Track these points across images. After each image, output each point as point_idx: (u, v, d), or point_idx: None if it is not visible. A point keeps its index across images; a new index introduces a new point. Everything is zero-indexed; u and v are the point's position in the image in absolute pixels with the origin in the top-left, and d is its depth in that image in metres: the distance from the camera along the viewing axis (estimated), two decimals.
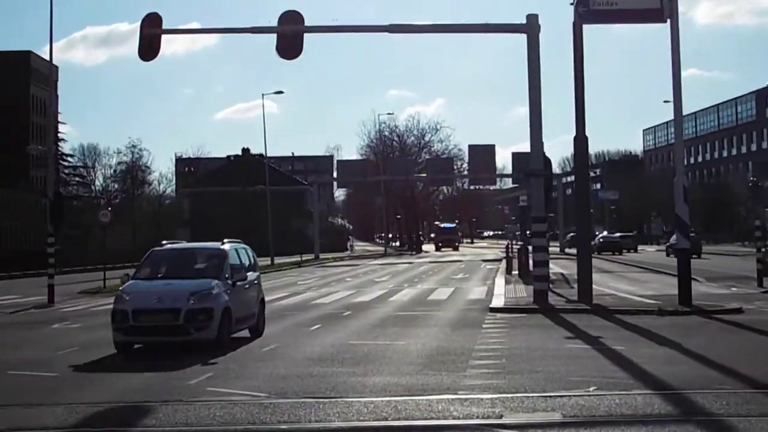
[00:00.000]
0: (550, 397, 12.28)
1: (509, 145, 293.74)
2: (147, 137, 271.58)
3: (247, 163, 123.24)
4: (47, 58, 41.99)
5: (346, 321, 24.49)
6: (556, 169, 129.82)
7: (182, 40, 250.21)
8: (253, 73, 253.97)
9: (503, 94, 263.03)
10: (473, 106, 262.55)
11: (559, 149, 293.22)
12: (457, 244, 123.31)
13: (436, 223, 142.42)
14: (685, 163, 32.43)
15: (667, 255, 70.29)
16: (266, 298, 33.75)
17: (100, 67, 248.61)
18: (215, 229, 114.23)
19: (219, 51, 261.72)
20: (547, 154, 28.82)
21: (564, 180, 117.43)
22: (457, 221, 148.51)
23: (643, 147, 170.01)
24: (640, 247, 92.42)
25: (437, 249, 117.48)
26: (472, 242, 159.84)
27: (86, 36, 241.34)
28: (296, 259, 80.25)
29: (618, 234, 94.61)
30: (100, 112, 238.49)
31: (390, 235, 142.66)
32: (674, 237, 75.00)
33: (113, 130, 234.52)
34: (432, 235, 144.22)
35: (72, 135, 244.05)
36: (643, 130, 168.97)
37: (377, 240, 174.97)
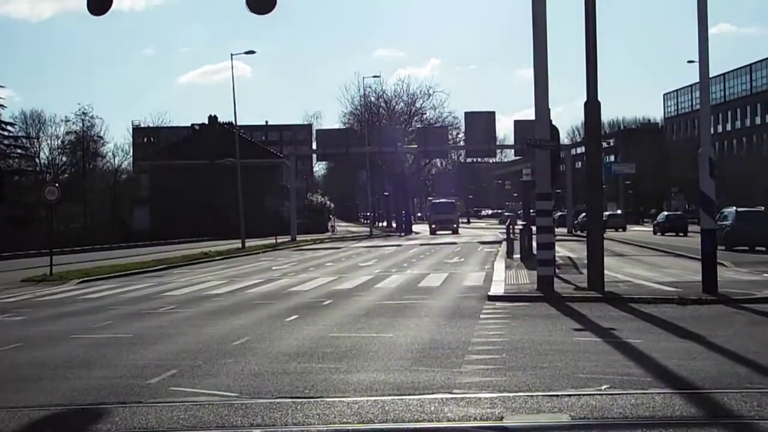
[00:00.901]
0: (557, 396, 12.33)
1: (512, 112, 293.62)
2: (100, 104, 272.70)
3: (214, 133, 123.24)
4: None
5: (326, 311, 24.54)
6: (564, 139, 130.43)
7: None
8: (223, 32, 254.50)
9: (506, 54, 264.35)
10: (472, 69, 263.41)
11: (568, 116, 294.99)
12: (455, 225, 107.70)
13: (429, 198, 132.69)
14: (712, 131, 32.52)
15: (654, 233, 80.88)
16: (237, 286, 34.05)
17: (46, 23, 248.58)
18: (178, 208, 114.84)
19: (184, 6, 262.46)
20: (554, 122, 28.90)
21: (573, 151, 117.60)
22: (454, 198, 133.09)
23: (664, 114, 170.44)
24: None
25: (432, 232, 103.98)
26: (468, 222, 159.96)
27: None
28: (270, 241, 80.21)
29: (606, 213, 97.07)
30: (46, 74, 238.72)
31: (376, 215, 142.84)
32: (661, 215, 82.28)
33: (61, 95, 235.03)
34: (421, 215, 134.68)
35: (13, 101, 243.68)
36: (664, 95, 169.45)
37: (362, 220, 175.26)
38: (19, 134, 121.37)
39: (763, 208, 64.30)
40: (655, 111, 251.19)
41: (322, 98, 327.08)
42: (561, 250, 46.41)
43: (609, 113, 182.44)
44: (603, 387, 12.84)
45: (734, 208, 52.79)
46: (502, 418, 11.21)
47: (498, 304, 24.89)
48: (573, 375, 13.88)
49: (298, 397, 12.65)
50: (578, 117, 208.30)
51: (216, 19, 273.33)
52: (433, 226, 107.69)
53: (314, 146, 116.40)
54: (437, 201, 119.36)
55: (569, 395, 12.31)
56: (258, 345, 18.07)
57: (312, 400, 12.49)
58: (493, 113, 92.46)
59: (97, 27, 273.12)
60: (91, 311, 26.49)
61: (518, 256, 44.06)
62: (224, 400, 12.70)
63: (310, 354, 16.71)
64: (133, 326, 22.08)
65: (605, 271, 27.81)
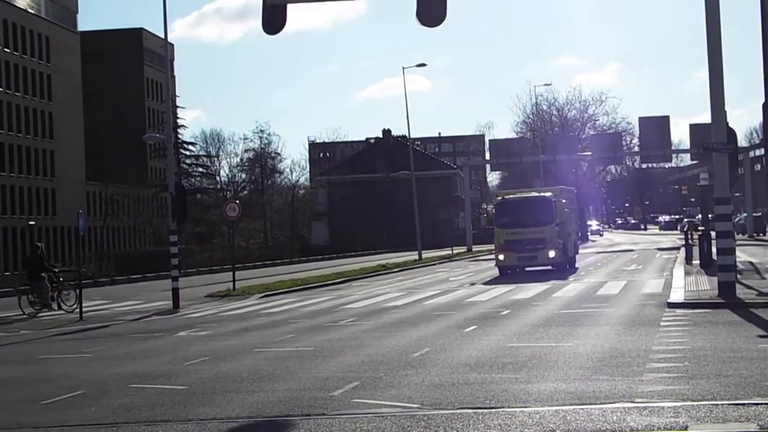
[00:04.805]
0: (743, 405, 12.04)
1: (691, 115, 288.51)
2: (278, 120, 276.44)
3: (388, 147, 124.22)
4: (172, 34, 42.51)
5: (504, 321, 24.47)
6: (742, 141, 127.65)
7: (328, 12, 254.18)
8: (405, 45, 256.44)
9: (684, 57, 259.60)
10: (650, 72, 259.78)
11: (748, 118, 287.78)
12: (555, 250, 47.46)
13: (498, 195, 55.95)
14: None
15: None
16: (415, 297, 34.19)
17: (234, 45, 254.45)
18: (354, 221, 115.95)
19: (368, 22, 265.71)
20: (731, 125, 28.29)
21: (752, 154, 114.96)
22: (554, 189, 56.64)
23: None
24: None
25: (502, 271, 48.13)
26: (645, 229, 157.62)
27: (220, 9, 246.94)
28: (446, 252, 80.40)
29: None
30: (231, 94, 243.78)
31: None
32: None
33: (242, 114, 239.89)
34: (492, 227, 52.45)
35: (199, 120, 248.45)
36: None
37: None
38: (200, 153, 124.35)
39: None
40: None
41: (496, 108, 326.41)
42: (741, 255, 45.42)
43: None
44: None
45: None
46: (686, 428, 10.99)
47: (678, 311, 24.46)
48: (759, 383, 13.54)
49: (479, 408, 12.63)
50: (757, 119, 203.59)
51: (398, 33, 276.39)
52: (501, 258, 48.18)
53: (487, 156, 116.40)
54: (509, 196, 51.88)
55: (756, 404, 12.00)
56: (438, 356, 18.09)
57: (493, 410, 12.45)
58: (667, 117, 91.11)
59: (283, 47, 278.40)
60: (274, 325, 26.90)
61: (697, 262, 43.25)
62: (406, 411, 12.75)
63: (490, 364, 16.66)
64: (314, 339, 22.34)
65: None
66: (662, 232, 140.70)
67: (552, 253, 46.77)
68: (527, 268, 47.65)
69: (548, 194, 49.92)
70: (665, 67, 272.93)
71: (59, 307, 36.45)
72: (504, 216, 48.84)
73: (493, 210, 52.71)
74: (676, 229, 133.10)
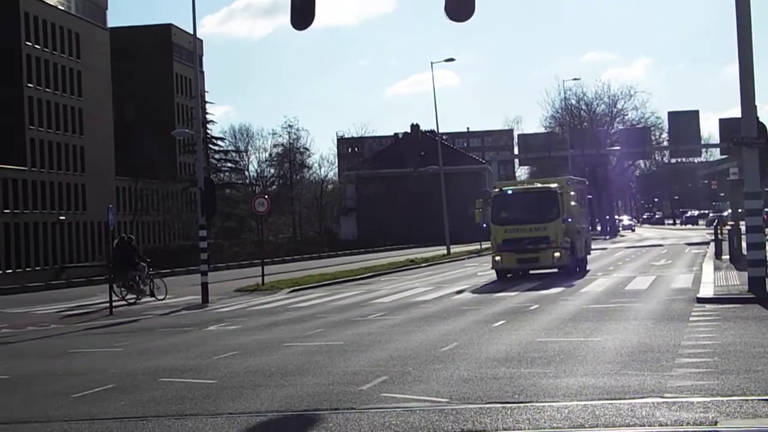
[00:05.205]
0: None
1: (718, 110, 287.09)
2: (306, 116, 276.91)
3: (416, 141, 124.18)
4: (201, 30, 42.66)
5: (533, 316, 24.44)
6: None
7: (357, 8, 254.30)
8: (434, 41, 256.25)
9: (715, 51, 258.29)
10: (680, 67, 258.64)
11: None
12: (556, 252, 40.08)
13: (495, 187, 46.15)
14: None
15: None
16: (443, 292, 34.16)
17: (263, 41, 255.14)
18: (383, 216, 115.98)
19: (397, 17, 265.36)
20: (761, 120, 28.13)
21: None
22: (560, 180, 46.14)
23: None
24: None
25: (500, 274, 41.20)
26: (674, 223, 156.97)
27: (249, 5, 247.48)
28: (475, 247, 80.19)
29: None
30: (261, 89, 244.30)
31: None
32: None
33: (271, 109, 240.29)
34: (486, 226, 44.14)
35: (229, 116, 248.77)
36: None
37: None
38: (229, 148, 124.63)
39: None
40: None
41: (525, 103, 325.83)
42: None
43: None
44: None
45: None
46: (716, 423, 10.95)
47: (708, 306, 24.36)
48: None
49: (508, 402, 12.63)
50: None
51: (426, 29, 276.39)
52: (497, 259, 41.03)
53: (516, 151, 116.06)
54: (508, 188, 44.52)
55: None
56: (466, 350, 18.08)
57: (521, 404, 12.45)
58: (696, 112, 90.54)
59: (312, 42, 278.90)
60: (302, 319, 26.95)
61: (727, 257, 43.04)
62: (435, 405, 12.75)
63: (519, 359, 16.65)
64: (343, 333, 22.37)
65: None
66: (683, 226, 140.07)
67: (557, 254, 40.12)
68: (530, 272, 41.43)
69: (553, 185, 42.52)
70: (695, 61, 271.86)
71: (152, 295, 37.25)
72: (502, 210, 41.75)
73: (490, 203, 43.14)
74: (697, 224, 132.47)
